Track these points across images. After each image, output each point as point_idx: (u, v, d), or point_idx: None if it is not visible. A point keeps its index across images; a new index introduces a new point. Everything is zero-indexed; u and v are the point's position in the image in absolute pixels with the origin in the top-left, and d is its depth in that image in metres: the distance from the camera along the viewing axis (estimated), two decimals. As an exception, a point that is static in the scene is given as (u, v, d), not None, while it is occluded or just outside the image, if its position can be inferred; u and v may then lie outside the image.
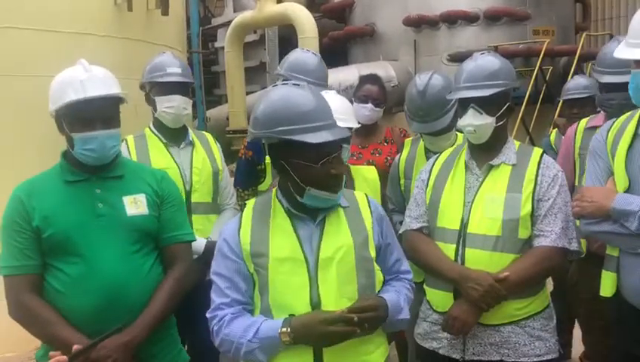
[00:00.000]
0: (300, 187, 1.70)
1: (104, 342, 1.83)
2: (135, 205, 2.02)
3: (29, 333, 1.94)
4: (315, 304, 1.68)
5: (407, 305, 1.84)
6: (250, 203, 1.84)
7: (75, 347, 1.72)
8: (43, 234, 1.91)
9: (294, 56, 3.07)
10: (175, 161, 2.76)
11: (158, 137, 2.82)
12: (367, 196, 1.90)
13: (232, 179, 3.06)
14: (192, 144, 2.87)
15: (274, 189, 1.83)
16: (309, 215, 1.75)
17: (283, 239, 1.73)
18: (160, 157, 2.74)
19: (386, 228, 1.87)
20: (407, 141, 3.01)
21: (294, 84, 1.76)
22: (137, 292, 1.96)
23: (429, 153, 2.77)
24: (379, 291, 1.81)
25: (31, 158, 3.75)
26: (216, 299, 1.75)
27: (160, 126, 2.83)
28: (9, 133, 3.93)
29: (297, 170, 1.69)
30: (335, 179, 1.70)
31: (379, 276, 1.80)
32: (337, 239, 1.74)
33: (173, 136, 2.83)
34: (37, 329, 1.92)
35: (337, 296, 1.69)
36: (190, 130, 2.92)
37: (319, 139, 1.63)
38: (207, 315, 1.76)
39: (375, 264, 1.79)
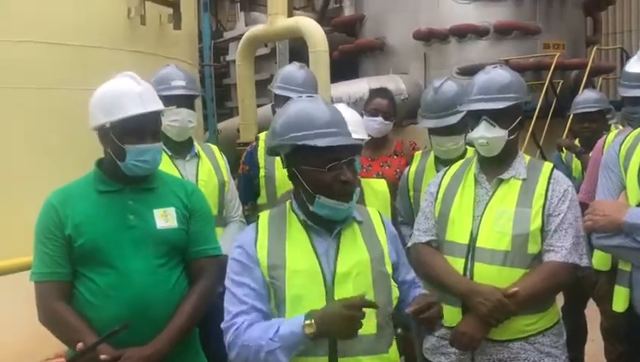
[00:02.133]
0: (311, 195, 1.68)
1: (128, 354, 1.86)
2: (165, 218, 2.03)
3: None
4: None
5: None
6: (265, 214, 1.83)
7: (79, 346, 1.74)
8: (75, 243, 1.93)
9: (285, 70, 3.16)
10: (181, 174, 2.76)
11: (164, 150, 2.83)
12: (380, 213, 1.90)
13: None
14: (197, 156, 2.88)
15: (288, 201, 1.82)
16: (324, 228, 1.73)
17: (300, 251, 1.70)
18: (166, 169, 2.73)
19: (398, 247, 1.88)
20: (417, 154, 3.03)
21: (308, 96, 1.80)
22: (162, 305, 1.97)
23: (438, 166, 2.79)
24: (410, 301, 1.81)
25: (46, 168, 3.79)
26: (232, 308, 1.67)
27: (165, 139, 2.84)
28: (21, 144, 3.97)
29: (307, 177, 1.68)
30: (344, 187, 1.68)
31: (395, 293, 1.78)
32: (354, 254, 1.72)
33: (179, 148, 2.85)
34: (64, 335, 1.95)
35: None
36: (196, 143, 2.94)
37: (327, 143, 1.64)
38: (223, 326, 1.69)
39: (392, 280, 1.77)
